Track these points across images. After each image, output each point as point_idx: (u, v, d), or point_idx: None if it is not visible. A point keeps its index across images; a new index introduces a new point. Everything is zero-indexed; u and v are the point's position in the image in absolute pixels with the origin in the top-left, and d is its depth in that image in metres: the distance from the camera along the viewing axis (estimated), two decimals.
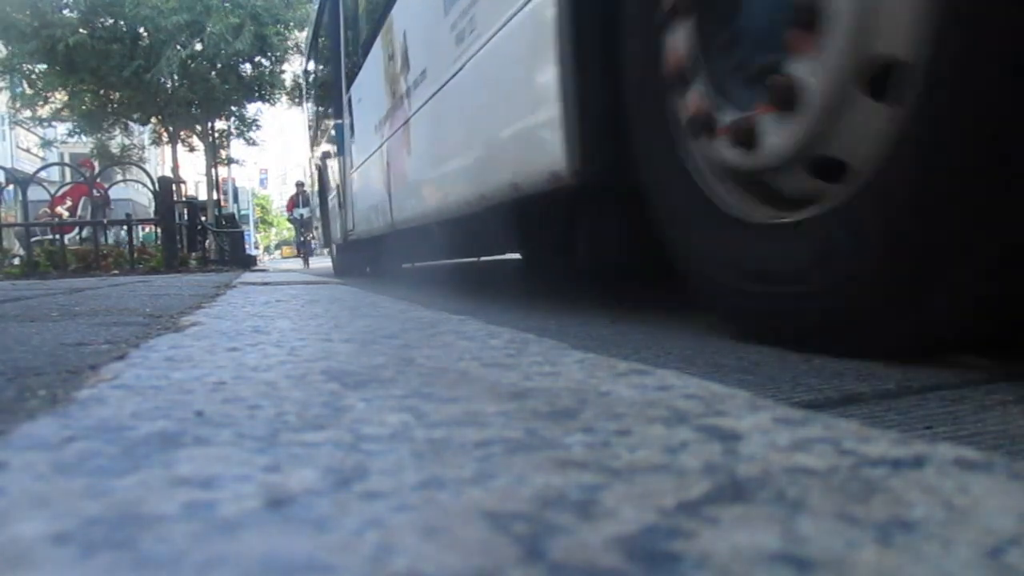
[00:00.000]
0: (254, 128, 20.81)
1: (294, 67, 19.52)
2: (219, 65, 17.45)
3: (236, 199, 26.23)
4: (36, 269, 6.11)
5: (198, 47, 16.27)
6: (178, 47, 15.97)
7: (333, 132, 7.11)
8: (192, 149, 21.14)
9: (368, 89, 5.15)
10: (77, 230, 10.00)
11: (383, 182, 4.74)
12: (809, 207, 1.39)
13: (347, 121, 6.31)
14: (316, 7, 8.77)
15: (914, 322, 1.23)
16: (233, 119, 20.37)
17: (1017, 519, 0.38)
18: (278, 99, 19.93)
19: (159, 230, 7.01)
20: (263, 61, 18.46)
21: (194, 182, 27.51)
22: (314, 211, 11.13)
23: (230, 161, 23.43)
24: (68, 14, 16.23)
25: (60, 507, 0.42)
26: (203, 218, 10.05)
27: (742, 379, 1.24)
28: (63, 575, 0.34)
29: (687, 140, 1.67)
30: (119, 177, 13.44)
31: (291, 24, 17.66)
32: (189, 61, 16.41)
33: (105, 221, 7.78)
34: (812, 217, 1.37)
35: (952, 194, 1.12)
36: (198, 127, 19.80)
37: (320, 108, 9.23)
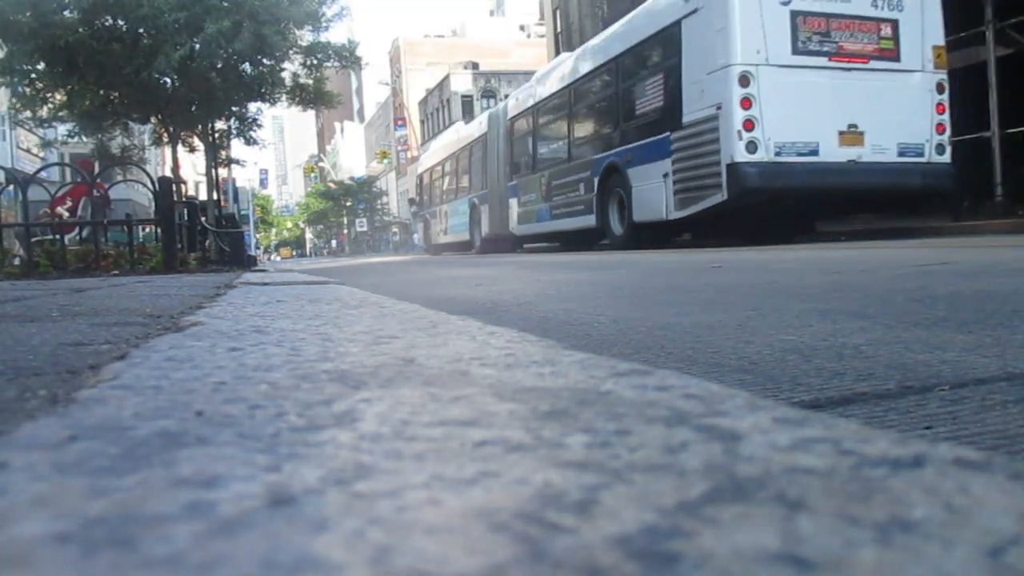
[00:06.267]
0: (254, 128, 20.75)
1: (294, 66, 19.46)
2: (219, 65, 17.41)
3: (236, 199, 26.18)
4: (36, 269, 6.11)
5: (196, 46, 16.22)
6: (177, 46, 15.94)
7: None
8: (192, 149, 21.10)
9: None
10: (77, 230, 9.99)
11: None
12: None
13: None
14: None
15: None
16: (233, 119, 20.32)
17: (1017, 519, 0.38)
18: (279, 99, 19.87)
19: (159, 230, 7.00)
20: (264, 60, 18.39)
21: (194, 182, 27.50)
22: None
23: (230, 161, 23.39)
24: (68, 15, 16.21)
25: (61, 507, 0.42)
26: (203, 218, 10.04)
27: (742, 379, 1.24)
28: (63, 575, 0.34)
29: None
30: (119, 177, 13.44)
31: (291, 23, 17.60)
32: (189, 62, 16.39)
33: (105, 221, 7.77)
34: None
35: None
36: (198, 127, 19.77)
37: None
